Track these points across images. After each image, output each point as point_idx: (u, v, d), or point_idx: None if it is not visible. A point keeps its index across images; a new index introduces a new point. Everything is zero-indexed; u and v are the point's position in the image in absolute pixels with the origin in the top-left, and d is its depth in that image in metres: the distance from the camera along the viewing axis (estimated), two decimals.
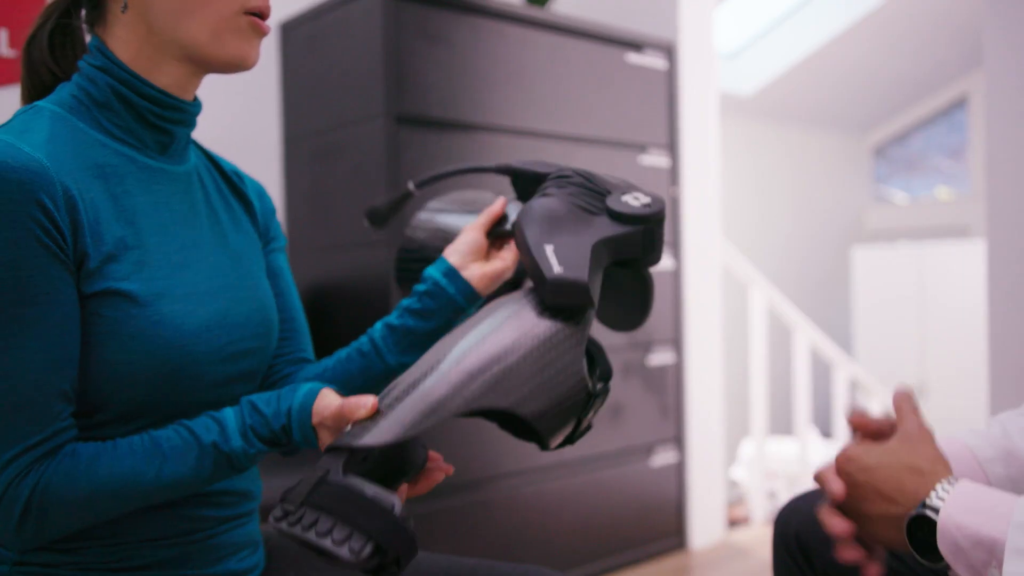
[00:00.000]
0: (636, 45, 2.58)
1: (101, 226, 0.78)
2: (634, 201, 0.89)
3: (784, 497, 3.58)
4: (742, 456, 3.80)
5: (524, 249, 0.86)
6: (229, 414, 0.81)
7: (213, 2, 0.82)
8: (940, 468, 0.80)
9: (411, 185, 1.09)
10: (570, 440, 0.85)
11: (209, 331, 0.83)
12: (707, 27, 2.82)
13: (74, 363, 0.76)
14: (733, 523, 3.20)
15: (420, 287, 0.97)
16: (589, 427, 0.86)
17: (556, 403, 0.80)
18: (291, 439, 0.81)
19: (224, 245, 0.91)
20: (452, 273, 0.96)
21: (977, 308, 4.21)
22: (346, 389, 0.95)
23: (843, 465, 0.85)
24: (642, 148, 2.59)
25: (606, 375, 0.87)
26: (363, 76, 2.09)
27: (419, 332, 0.95)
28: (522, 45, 2.29)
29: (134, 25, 0.83)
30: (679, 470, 2.71)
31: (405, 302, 0.97)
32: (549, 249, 0.84)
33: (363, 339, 0.98)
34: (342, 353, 0.99)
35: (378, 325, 0.98)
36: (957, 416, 4.51)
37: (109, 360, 0.77)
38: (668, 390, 2.67)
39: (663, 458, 2.65)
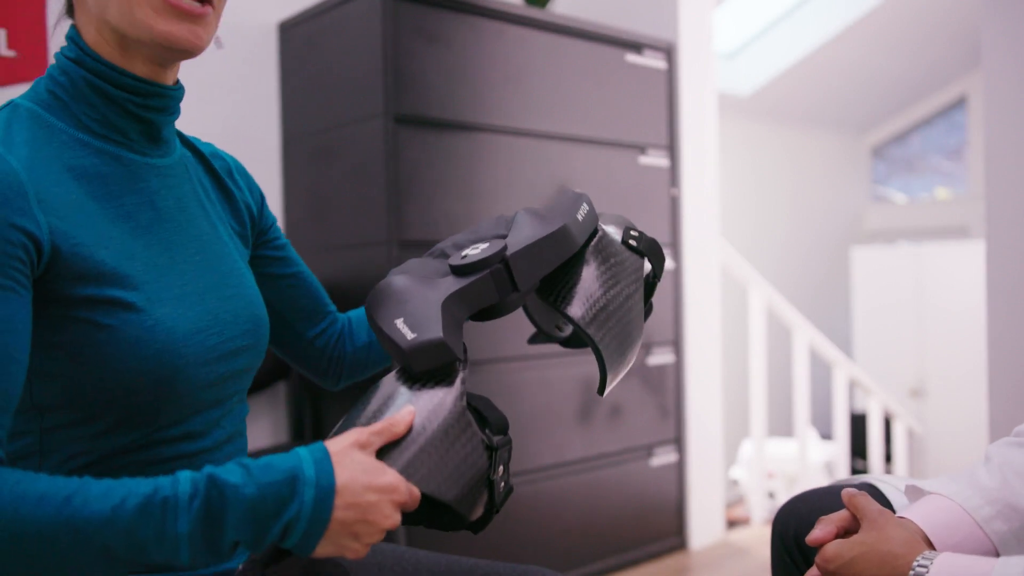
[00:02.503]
0: (635, 45, 2.59)
1: (84, 233, 0.76)
2: (473, 251, 0.89)
3: (783, 497, 3.58)
4: (742, 456, 3.80)
5: (378, 332, 0.85)
6: (189, 472, 0.69)
7: None
8: (915, 546, 0.84)
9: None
10: (494, 507, 0.82)
11: (200, 333, 0.82)
12: (706, 27, 2.82)
13: (17, 366, 0.70)
14: (732, 523, 3.20)
15: None
16: (511, 489, 0.84)
17: (458, 473, 0.78)
18: (292, 478, 0.68)
19: (212, 239, 0.90)
20: None
21: (976, 308, 4.21)
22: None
23: (825, 565, 0.89)
24: (641, 149, 2.59)
25: (501, 427, 0.84)
26: (362, 76, 2.09)
27: None
28: (521, 45, 2.29)
29: (89, 10, 0.81)
30: (679, 470, 2.71)
31: None
32: (399, 322, 0.83)
33: None
34: None
35: None
36: (956, 416, 4.51)
37: (108, 368, 0.76)
38: (668, 390, 2.67)
39: (663, 458, 2.65)
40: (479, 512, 0.81)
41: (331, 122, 2.21)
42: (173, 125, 0.89)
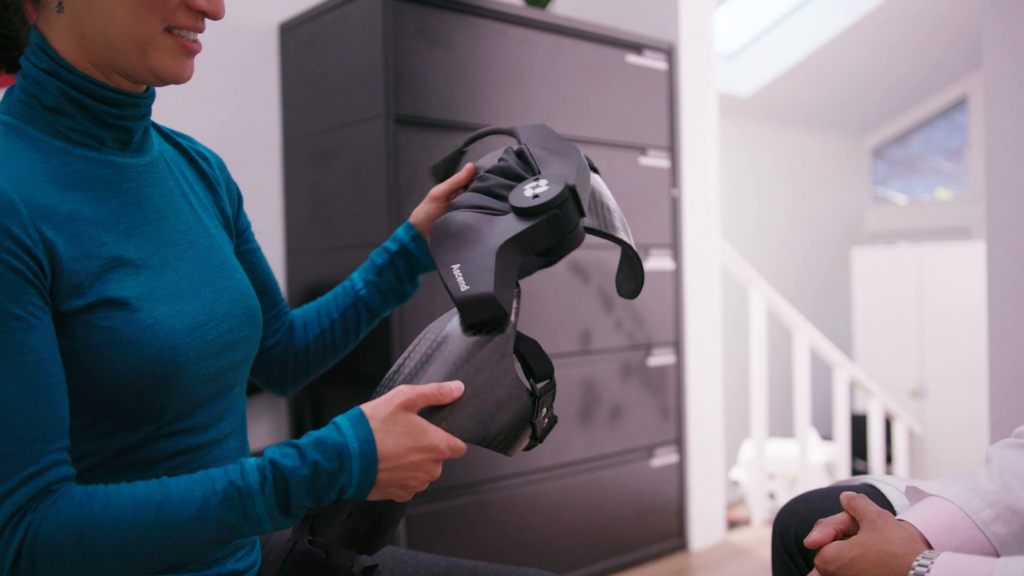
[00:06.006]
0: (636, 46, 2.59)
1: (77, 243, 0.76)
2: (531, 191, 0.90)
3: (784, 498, 3.58)
4: (742, 457, 3.80)
5: (438, 274, 0.89)
6: (252, 458, 0.77)
7: (135, 22, 0.78)
8: (914, 546, 0.85)
9: (462, 145, 1.15)
10: (537, 440, 0.88)
11: (199, 328, 0.83)
12: (707, 28, 2.82)
13: (60, 390, 0.73)
14: (733, 524, 3.19)
15: (391, 246, 1.10)
16: (555, 420, 0.89)
17: (498, 420, 0.83)
18: (339, 455, 0.76)
19: (201, 233, 0.90)
20: (417, 237, 1.10)
21: (976, 309, 4.21)
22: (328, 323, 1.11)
23: (824, 567, 0.89)
24: (642, 150, 2.59)
25: (545, 373, 0.89)
26: (362, 77, 2.09)
27: (395, 288, 1.11)
28: (522, 46, 2.29)
29: (71, 28, 0.80)
30: (679, 471, 2.71)
31: (377, 258, 1.11)
32: (455, 268, 0.86)
33: (344, 284, 1.12)
34: (327, 295, 1.12)
35: (356, 275, 1.12)
36: (956, 417, 4.51)
37: (111, 370, 0.76)
38: (668, 391, 2.67)
39: (663, 459, 2.65)
40: (520, 448, 0.87)
41: (331, 123, 2.21)
42: (147, 126, 0.89)
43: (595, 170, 1.06)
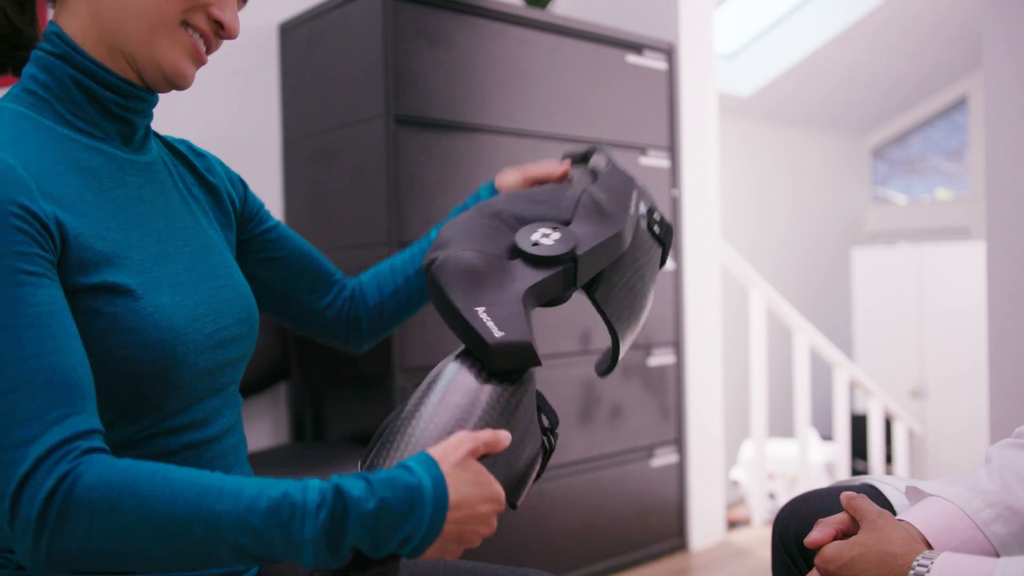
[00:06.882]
0: (636, 46, 2.59)
1: (84, 223, 0.77)
2: (544, 240, 0.88)
3: (784, 498, 3.58)
4: (742, 457, 3.80)
5: (452, 314, 0.82)
6: (317, 480, 0.70)
7: (156, 2, 0.81)
8: (913, 546, 0.85)
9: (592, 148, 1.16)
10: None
11: (197, 320, 0.84)
12: (707, 28, 2.82)
13: (76, 342, 0.72)
14: (733, 524, 3.19)
15: (471, 202, 1.11)
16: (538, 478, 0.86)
17: (520, 470, 0.78)
18: (410, 497, 0.69)
19: (198, 233, 0.91)
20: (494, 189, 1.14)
21: (977, 309, 4.21)
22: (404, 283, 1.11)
23: (824, 566, 0.89)
24: (642, 150, 2.59)
25: (554, 423, 0.85)
26: (362, 77, 2.09)
27: None
28: (522, 46, 2.29)
29: (89, 6, 0.82)
30: (679, 471, 2.71)
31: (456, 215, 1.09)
32: (481, 311, 0.81)
33: (420, 243, 1.13)
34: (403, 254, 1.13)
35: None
36: (956, 417, 4.51)
37: (112, 358, 0.77)
38: (668, 391, 2.67)
39: (663, 459, 2.65)
40: (522, 500, 0.82)
41: (332, 123, 2.21)
42: (148, 126, 0.90)
43: (657, 237, 1.02)
